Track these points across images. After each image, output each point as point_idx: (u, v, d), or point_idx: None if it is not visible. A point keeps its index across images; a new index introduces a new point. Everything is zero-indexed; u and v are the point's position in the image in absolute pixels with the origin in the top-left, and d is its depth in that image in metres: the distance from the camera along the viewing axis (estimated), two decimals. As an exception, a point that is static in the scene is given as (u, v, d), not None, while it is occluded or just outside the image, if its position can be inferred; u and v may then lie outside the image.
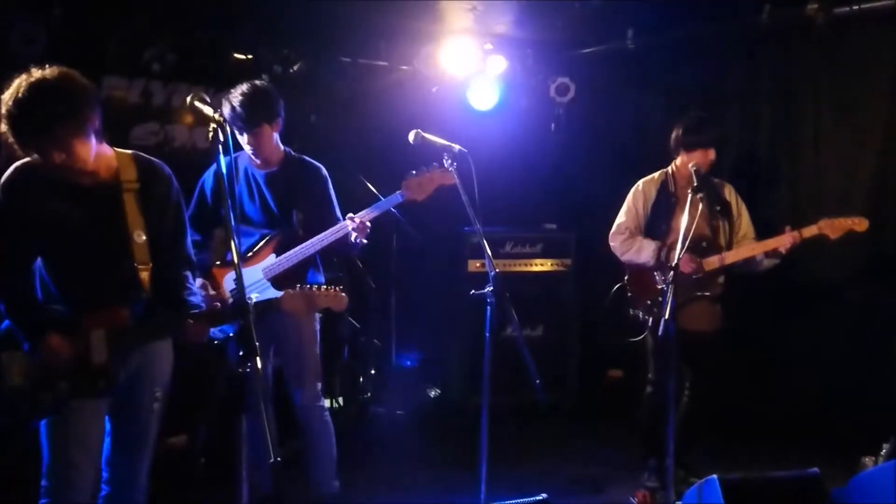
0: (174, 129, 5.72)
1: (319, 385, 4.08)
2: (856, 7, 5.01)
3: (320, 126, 6.08)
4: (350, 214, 3.86)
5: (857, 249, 4.30)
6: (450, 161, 3.74)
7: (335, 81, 6.10)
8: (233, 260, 2.70)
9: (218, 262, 3.96)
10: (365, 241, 3.89)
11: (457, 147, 3.78)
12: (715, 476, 3.36)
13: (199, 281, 3.77)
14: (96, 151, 2.83)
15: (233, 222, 2.59)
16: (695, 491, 3.50)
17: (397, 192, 3.90)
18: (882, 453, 4.45)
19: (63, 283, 2.92)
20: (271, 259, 3.88)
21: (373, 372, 6.00)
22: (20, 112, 2.65)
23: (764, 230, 4.56)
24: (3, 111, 2.68)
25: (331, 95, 6.11)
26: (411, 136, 3.78)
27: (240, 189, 3.95)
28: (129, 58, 5.33)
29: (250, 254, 3.92)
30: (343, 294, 3.11)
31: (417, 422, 5.89)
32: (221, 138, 2.67)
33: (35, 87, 2.67)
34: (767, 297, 5.44)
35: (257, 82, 3.92)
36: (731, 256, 4.43)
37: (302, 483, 4.14)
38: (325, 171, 4.05)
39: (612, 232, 4.66)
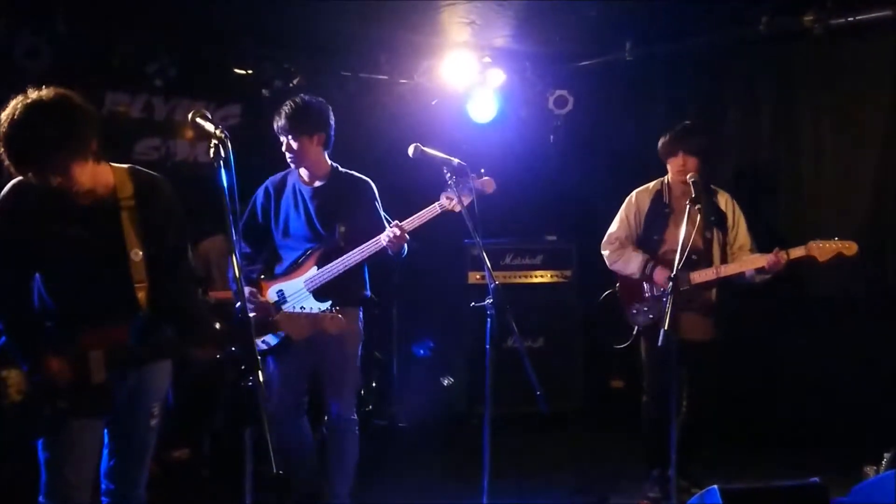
0: (176, 143, 5.75)
1: (356, 399, 4.15)
2: (852, 18, 5.04)
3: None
4: (396, 221, 3.93)
5: (859, 258, 4.31)
6: (449, 174, 3.76)
7: (335, 95, 6.09)
8: (233, 272, 2.69)
9: (263, 276, 4.07)
10: (406, 247, 3.97)
11: (456, 160, 3.80)
12: (716, 486, 3.36)
13: (247, 289, 3.86)
14: (93, 170, 2.78)
15: (234, 236, 2.59)
16: (696, 501, 3.49)
17: (436, 203, 3.95)
18: (884, 462, 4.44)
19: (61, 301, 2.87)
20: (313, 271, 3.96)
21: (374, 384, 6.00)
22: (17, 135, 2.59)
23: (764, 239, 4.55)
24: (0, 133, 2.60)
25: (331, 109, 6.12)
26: (411, 150, 3.79)
27: (286, 205, 4.07)
28: (132, 73, 5.37)
29: (294, 268, 4.01)
30: (339, 317, 3.14)
31: (419, 434, 5.89)
32: (223, 154, 2.61)
33: (32, 109, 2.60)
34: (769, 307, 5.44)
35: (312, 98, 4.05)
36: (721, 271, 4.36)
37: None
38: (372, 184, 4.13)
39: (603, 241, 4.69)
